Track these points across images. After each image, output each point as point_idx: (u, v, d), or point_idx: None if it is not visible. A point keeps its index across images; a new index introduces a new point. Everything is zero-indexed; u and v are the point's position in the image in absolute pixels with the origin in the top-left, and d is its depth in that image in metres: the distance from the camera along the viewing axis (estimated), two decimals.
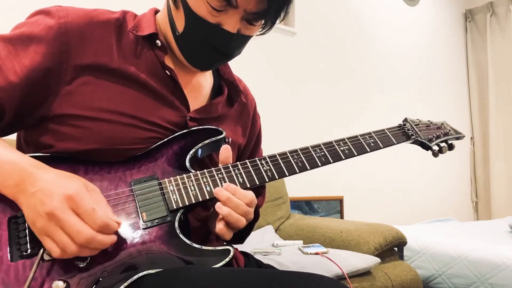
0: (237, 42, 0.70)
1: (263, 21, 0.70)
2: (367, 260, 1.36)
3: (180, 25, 0.69)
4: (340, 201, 2.49)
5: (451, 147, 0.88)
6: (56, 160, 0.61)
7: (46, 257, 0.55)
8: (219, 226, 0.65)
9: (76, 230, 0.52)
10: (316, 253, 1.36)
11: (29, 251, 0.55)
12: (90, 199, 0.54)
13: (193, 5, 0.66)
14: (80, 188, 0.55)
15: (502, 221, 2.67)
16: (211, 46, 0.69)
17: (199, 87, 0.80)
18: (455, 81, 3.69)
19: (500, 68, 3.58)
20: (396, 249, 1.61)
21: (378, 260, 1.39)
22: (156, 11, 0.79)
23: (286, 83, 2.46)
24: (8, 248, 0.55)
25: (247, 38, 0.71)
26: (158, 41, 0.72)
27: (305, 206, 2.34)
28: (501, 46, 3.59)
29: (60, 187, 0.54)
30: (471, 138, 3.78)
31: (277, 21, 0.72)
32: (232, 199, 0.64)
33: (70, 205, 0.53)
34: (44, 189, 0.53)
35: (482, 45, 3.73)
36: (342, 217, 2.48)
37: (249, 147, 0.93)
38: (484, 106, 3.70)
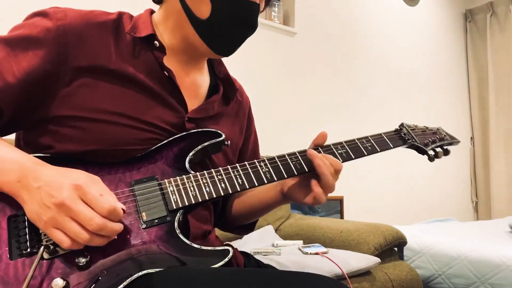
0: (258, 12, 0.74)
1: None
2: (367, 260, 1.35)
3: (205, 10, 0.69)
4: (340, 201, 2.49)
5: (446, 152, 0.90)
6: (55, 161, 0.61)
7: (45, 255, 0.55)
8: (318, 190, 0.73)
9: (89, 217, 0.53)
10: (316, 253, 1.36)
11: (28, 249, 0.56)
12: (96, 187, 0.56)
13: None
14: (85, 177, 0.56)
15: (502, 221, 2.67)
16: (241, 21, 0.71)
17: (197, 87, 0.81)
18: (455, 81, 3.69)
19: (500, 68, 3.58)
20: (396, 249, 1.61)
21: (378, 260, 1.39)
22: (152, 12, 0.79)
23: (286, 83, 2.47)
24: (8, 247, 0.55)
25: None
26: (156, 42, 0.72)
27: (306, 205, 2.34)
28: (501, 46, 3.59)
29: (66, 178, 0.55)
30: (471, 138, 3.79)
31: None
32: (324, 160, 0.73)
33: (79, 194, 0.54)
34: (49, 182, 0.54)
35: (482, 45, 3.74)
36: (342, 217, 2.48)
37: (246, 148, 0.93)
38: (484, 106, 3.70)
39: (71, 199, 0.53)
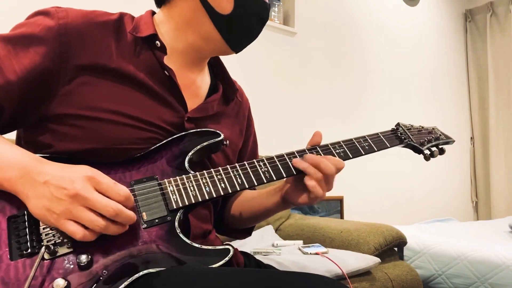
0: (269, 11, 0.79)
1: None
2: (367, 260, 1.36)
3: (227, 6, 0.72)
4: (340, 201, 2.50)
5: (441, 151, 0.91)
6: (55, 160, 0.61)
7: (46, 255, 0.55)
8: (311, 183, 0.71)
9: (104, 204, 0.54)
10: (316, 253, 1.36)
11: (29, 250, 0.56)
12: (107, 177, 0.57)
13: None
14: (92, 170, 0.57)
15: (502, 221, 2.67)
16: (258, 17, 0.76)
17: (197, 87, 0.81)
18: (455, 81, 3.69)
19: (500, 68, 3.58)
20: (396, 249, 1.61)
21: (378, 260, 1.39)
22: (153, 13, 0.79)
23: (286, 83, 2.47)
24: (8, 247, 0.55)
25: None
26: (157, 42, 0.72)
27: (305, 206, 2.34)
28: (501, 46, 3.59)
29: (73, 172, 0.56)
30: (471, 138, 3.79)
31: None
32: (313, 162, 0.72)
33: (92, 184, 0.55)
34: (56, 176, 0.55)
35: (482, 45, 3.74)
36: (342, 217, 2.48)
37: (246, 149, 0.93)
38: (484, 106, 3.70)
39: (85, 189, 0.54)
